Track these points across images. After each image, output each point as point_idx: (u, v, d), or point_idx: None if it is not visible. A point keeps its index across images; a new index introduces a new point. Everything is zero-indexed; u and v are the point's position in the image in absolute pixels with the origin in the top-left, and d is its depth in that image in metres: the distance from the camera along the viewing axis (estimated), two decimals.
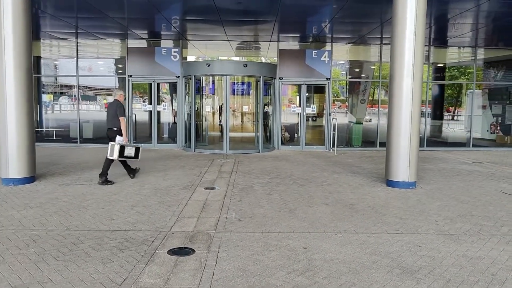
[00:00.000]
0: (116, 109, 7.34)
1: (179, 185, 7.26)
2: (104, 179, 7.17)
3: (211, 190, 6.91)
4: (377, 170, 9.08)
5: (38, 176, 7.67)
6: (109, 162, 7.27)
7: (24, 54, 6.95)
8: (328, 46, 12.57)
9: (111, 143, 7.23)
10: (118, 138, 7.33)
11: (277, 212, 5.59)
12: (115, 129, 7.39)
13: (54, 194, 6.39)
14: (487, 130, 15.39)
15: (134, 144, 7.50)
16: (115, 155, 7.10)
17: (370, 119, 14.32)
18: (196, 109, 12.10)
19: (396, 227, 4.99)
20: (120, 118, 7.32)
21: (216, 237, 4.55)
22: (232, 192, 6.75)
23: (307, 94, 12.66)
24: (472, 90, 13.95)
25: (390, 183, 7.30)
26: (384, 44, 12.62)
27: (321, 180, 7.88)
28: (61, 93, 14.39)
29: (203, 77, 12.82)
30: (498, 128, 15.18)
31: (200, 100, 13.01)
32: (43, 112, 14.36)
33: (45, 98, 14.44)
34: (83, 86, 13.61)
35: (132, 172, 7.79)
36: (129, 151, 7.33)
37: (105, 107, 13.75)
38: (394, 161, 7.18)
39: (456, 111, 16.17)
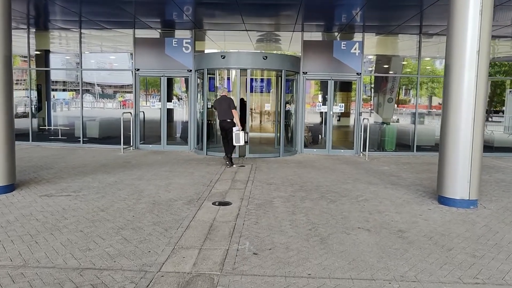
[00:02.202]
0: (229, 103, 8.50)
1: (183, 198, 5.99)
2: (230, 160, 8.64)
3: (221, 206, 5.61)
4: (420, 181, 7.62)
5: (20, 184, 6.53)
6: (233, 147, 8.82)
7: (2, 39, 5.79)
8: (359, 37, 11.10)
9: (235, 131, 8.42)
10: (235, 128, 8.47)
11: (305, 242, 4.25)
12: (229, 120, 8.50)
13: (29, 209, 5.21)
14: None
15: (243, 131, 8.67)
16: (242, 141, 8.50)
17: (398, 119, 12.84)
18: (209, 107, 10.84)
19: (472, 272, 3.58)
20: (232, 110, 8.47)
21: (221, 284, 3.25)
22: (247, 210, 5.44)
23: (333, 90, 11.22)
24: None
25: (443, 201, 5.85)
26: (424, 34, 11.07)
27: (355, 193, 6.48)
28: (67, 90, 13.39)
29: (218, 71, 11.54)
30: None
31: (215, 97, 11.75)
32: (56, 109, 13.36)
33: (64, 95, 13.48)
34: (91, 83, 12.57)
35: (231, 161, 8.71)
36: (242, 139, 8.51)
37: (122, 105, 12.73)
38: (450, 174, 5.73)
39: (501, 111, 14.43)
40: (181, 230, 4.55)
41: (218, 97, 8.94)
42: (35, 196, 5.90)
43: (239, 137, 8.46)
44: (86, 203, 5.55)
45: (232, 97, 8.98)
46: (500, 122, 13.98)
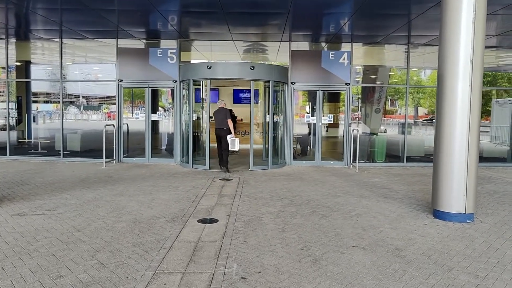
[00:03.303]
0: (226, 114, 9.58)
1: (166, 215, 5.65)
2: (226, 168, 9.52)
3: (206, 223, 5.28)
4: (413, 193, 7.40)
5: None
6: (228, 153, 9.67)
7: None
8: (347, 47, 10.97)
9: (231, 138, 9.40)
10: (229, 136, 9.44)
11: (297, 263, 3.95)
12: (225, 128, 9.50)
13: None
14: None
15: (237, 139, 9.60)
16: (237, 147, 9.46)
17: (385, 129, 12.72)
18: (195, 118, 10.54)
19: None
20: (228, 120, 9.49)
21: None
22: (234, 227, 5.12)
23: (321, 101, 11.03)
24: (510, 99, 12.24)
25: (439, 215, 5.62)
26: (411, 44, 11.00)
27: (347, 208, 6.21)
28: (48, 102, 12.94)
29: (204, 82, 11.30)
30: None
31: (201, 108, 11.47)
32: (38, 121, 12.87)
33: (48, 107, 13.01)
34: (72, 95, 12.16)
35: (226, 167, 9.56)
36: (237, 145, 9.50)
37: (108, 116, 12.36)
38: (445, 188, 5.51)
39: (488, 121, 14.45)
40: (163, 251, 4.21)
41: (216, 109, 9.85)
42: (6, 215, 5.49)
43: (234, 143, 9.51)
44: (61, 223, 5.16)
45: (227, 109, 9.94)
46: (487, 132, 14.00)
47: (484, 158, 12.07)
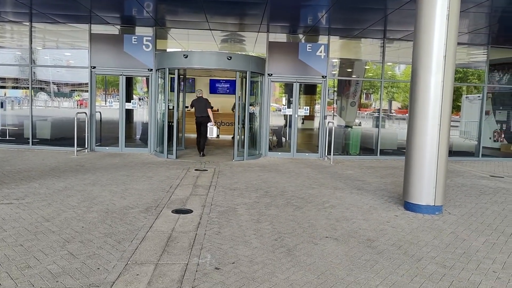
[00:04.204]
0: (206, 103, 10.30)
1: (140, 205, 5.57)
2: (203, 153, 10.39)
3: (181, 214, 5.24)
4: (385, 185, 7.56)
5: None
6: (206, 140, 10.68)
7: None
8: (324, 40, 11.02)
9: (209, 126, 10.21)
10: (209, 124, 10.22)
11: (270, 254, 3.97)
12: (205, 116, 10.20)
13: None
14: (490, 138, 14.13)
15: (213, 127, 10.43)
16: (215, 134, 10.50)
17: (360, 122, 12.93)
18: (171, 107, 10.39)
19: (443, 285, 3.43)
20: (208, 109, 10.22)
21: None
22: (209, 218, 5.10)
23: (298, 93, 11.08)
24: (479, 95, 12.62)
25: (409, 207, 5.77)
26: (387, 39, 11.15)
27: (321, 199, 6.29)
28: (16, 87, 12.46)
29: (180, 71, 11.15)
30: (503, 136, 13.93)
31: (177, 98, 11.31)
32: (6, 107, 12.36)
33: (16, 92, 12.49)
34: (42, 81, 11.74)
35: (203, 152, 10.42)
36: (215, 132, 10.57)
37: (79, 104, 11.97)
38: (416, 180, 5.65)
39: (458, 116, 14.89)
40: (136, 242, 4.16)
41: (196, 98, 10.51)
42: None
43: (212, 131, 10.38)
44: (29, 212, 5.01)
45: (206, 98, 10.68)
46: (457, 126, 14.43)
47: (453, 152, 12.44)
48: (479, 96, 12.85)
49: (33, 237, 4.18)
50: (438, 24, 5.41)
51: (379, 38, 11.25)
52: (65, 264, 3.55)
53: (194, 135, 12.79)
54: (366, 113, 13.39)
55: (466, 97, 14.20)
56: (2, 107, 12.50)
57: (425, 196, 5.60)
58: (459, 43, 11.71)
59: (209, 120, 10.24)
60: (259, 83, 10.86)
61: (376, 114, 11.92)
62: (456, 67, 5.98)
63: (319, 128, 11.28)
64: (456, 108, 14.32)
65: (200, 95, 10.53)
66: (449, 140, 5.74)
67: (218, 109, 15.73)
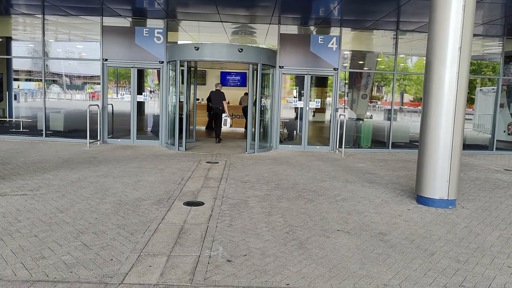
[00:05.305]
0: (221, 96, 11.30)
1: (152, 197, 5.61)
2: (219, 139, 11.38)
3: (192, 206, 5.26)
4: (398, 179, 7.50)
5: None
6: (221, 129, 11.71)
7: None
8: (336, 32, 10.89)
9: (224, 117, 11.97)
10: (224, 114, 11.55)
11: (282, 247, 3.98)
12: (221, 108, 11.25)
13: None
14: (504, 131, 13.90)
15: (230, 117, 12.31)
16: (228, 125, 12.33)
17: (371, 115, 12.81)
18: (181, 100, 10.40)
19: (458, 279, 3.40)
20: (223, 101, 11.25)
21: None
22: (221, 210, 5.12)
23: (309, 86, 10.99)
24: (494, 87, 12.39)
25: (422, 200, 5.72)
26: (400, 30, 10.98)
27: (333, 192, 6.26)
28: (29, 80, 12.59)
29: (191, 63, 11.15)
30: None
31: (188, 90, 11.32)
32: (20, 99, 12.53)
33: (30, 85, 12.65)
34: (55, 73, 11.84)
35: (219, 138, 11.46)
36: (229, 123, 12.41)
37: (92, 96, 12.08)
38: (430, 174, 5.58)
39: (472, 109, 14.66)
40: (148, 234, 4.19)
41: (214, 90, 11.58)
42: None
43: (226, 121, 12.07)
44: (43, 203, 5.08)
45: (222, 92, 11.57)
46: (470, 119, 14.22)
47: (466, 146, 12.27)
48: (493, 89, 12.62)
49: (47, 228, 4.24)
50: (453, 15, 5.30)
51: (391, 30, 11.09)
52: (79, 255, 3.60)
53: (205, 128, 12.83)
54: (378, 105, 13.26)
55: (480, 90, 13.97)
56: (15, 99, 12.66)
57: (438, 189, 5.53)
58: (474, 35, 11.55)
59: (224, 112, 11.41)
60: (270, 76, 10.80)
61: (386, 107, 11.79)
62: (471, 59, 5.87)
63: (330, 121, 11.21)
64: (469, 100, 14.07)
65: (218, 88, 11.54)
66: (463, 132, 5.65)
67: (229, 102, 15.72)
